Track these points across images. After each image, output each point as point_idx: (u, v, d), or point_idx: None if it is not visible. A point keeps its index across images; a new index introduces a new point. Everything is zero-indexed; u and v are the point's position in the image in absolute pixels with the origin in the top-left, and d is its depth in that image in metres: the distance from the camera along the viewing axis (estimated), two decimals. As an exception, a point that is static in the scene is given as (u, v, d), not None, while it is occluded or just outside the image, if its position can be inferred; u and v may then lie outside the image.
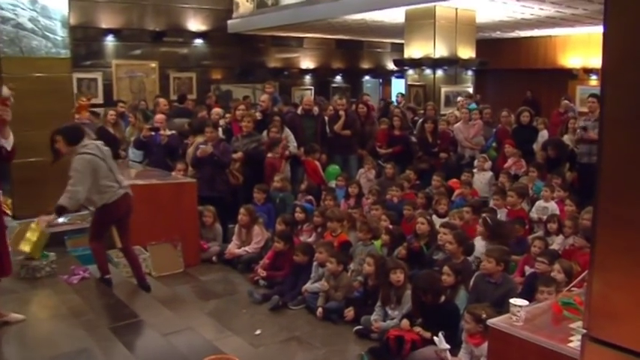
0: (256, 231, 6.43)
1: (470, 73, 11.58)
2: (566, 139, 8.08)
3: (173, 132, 7.77)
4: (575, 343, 2.45)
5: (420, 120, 9.33)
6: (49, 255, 4.97)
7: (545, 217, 6.08)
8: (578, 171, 7.51)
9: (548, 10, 10.40)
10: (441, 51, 10.81)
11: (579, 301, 2.77)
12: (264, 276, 5.77)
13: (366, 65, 16.69)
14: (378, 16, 11.32)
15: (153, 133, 7.58)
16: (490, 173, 7.71)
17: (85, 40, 11.92)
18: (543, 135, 8.21)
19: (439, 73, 11.05)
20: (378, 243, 5.71)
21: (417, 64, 11.06)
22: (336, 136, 8.70)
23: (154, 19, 12.83)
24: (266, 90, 9.48)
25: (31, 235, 4.71)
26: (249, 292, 5.47)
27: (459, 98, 10.42)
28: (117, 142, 7.56)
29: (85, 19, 11.89)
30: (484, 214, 5.76)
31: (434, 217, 6.21)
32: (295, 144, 8.16)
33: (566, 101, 9.80)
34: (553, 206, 6.33)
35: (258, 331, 4.70)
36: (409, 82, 11.44)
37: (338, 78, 16.09)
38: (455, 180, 7.52)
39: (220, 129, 7.99)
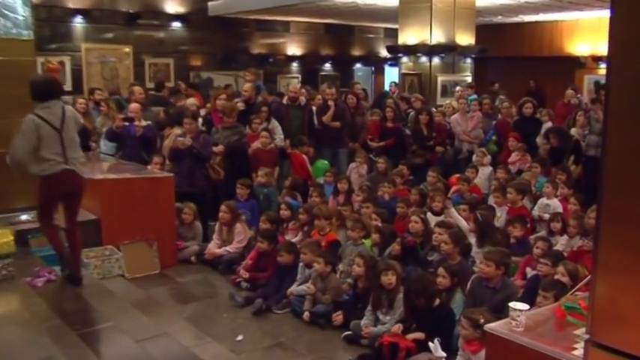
0: (238, 229, 6.43)
1: (469, 61, 11.61)
2: (574, 132, 8.11)
3: (149, 123, 7.72)
4: (579, 350, 2.43)
5: (414, 112, 9.35)
6: (6, 256, 4.87)
7: (547, 216, 6.14)
8: (585, 165, 7.56)
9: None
10: (437, 37, 10.81)
11: (584, 305, 2.77)
12: (246, 277, 5.77)
13: (357, 52, 16.66)
14: (370, -2, 11.33)
15: (127, 124, 7.52)
16: (489, 169, 7.75)
17: (50, 20, 11.70)
18: (547, 127, 8.25)
19: (436, 60, 11.07)
20: (368, 242, 5.72)
21: (412, 51, 11.06)
22: (325, 128, 8.70)
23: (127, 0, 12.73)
24: (247, 78, 9.46)
25: None
26: (231, 295, 5.46)
27: (458, 88, 10.46)
28: (87, 133, 7.49)
29: (50, -4, 11.74)
30: (478, 211, 5.81)
31: (428, 215, 6.24)
32: (282, 136, 8.16)
33: (573, 91, 9.82)
34: (556, 204, 6.38)
35: (239, 337, 4.70)
36: (403, 71, 11.44)
37: (327, 66, 16.05)
38: (457, 176, 7.56)
39: (200, 120, 7.96)
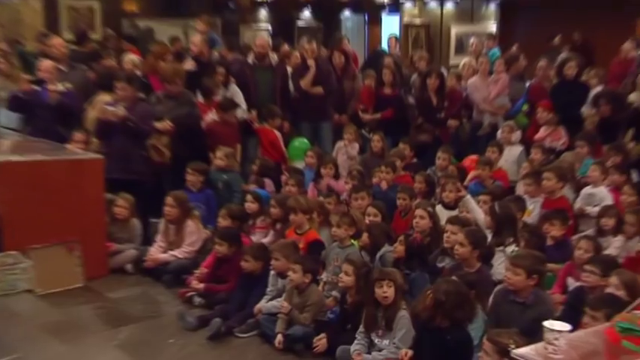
0: (190, 228, 6.42)
1: (492, 7, 11.64)
2: (634, 98, 8.01)
3: (68, 87, 7.64)
4: (639, 385, 2.45)
5: (419, 74, 9.35)
6: None
7: (595, 210, 6.16)
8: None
9: None
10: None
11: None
12: (200, 290, 5.76)
13: (345, -5, 16.66)
14: None
15: (37, 88, 7.44)
16: (519, 148, 7.79)
17: None
18: (597, 92, 8.14)
19: (449, 6, 11.09)
20: (357, 243, 5.73)
21: (418, -8, 11.10)
22: (304, 96, 8.71)
23: None
24: (198, 28, 9.40)
25: None
26: (180, 315, 5.44)
27: (472, 40, 10.44)
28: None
29: None
30: (497, 202, 5.82)
31: (438, 208, 6.24)
32: (245, 106, 8.11)
33: (633, 44, 9.76)
34: (603, 193, 6.39)
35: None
36: (406, 20, 11.45)
37: (306, 14, 16.00)
38: (472, 157, 7.56)
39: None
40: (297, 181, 6.99)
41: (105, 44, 10.37)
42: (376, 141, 8.01)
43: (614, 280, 4.40)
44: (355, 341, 4.66)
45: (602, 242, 5.52)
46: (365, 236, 5.70)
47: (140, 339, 5.18)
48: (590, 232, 6.00)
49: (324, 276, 5.57)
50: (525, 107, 8.66)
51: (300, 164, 7.89)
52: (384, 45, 13.32)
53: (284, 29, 14.95)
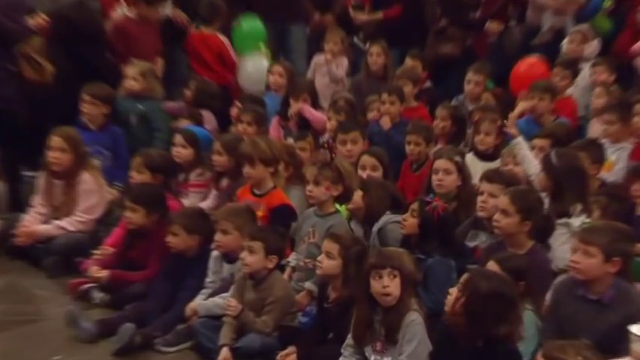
0: (86, 185, 6.43)
1: None
2: None
3: None
4: None
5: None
6: None
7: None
8: None
9: None
10: None
11: None
12: (103, 281, 5.77)
13: None
14: None
15: None
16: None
17: None
18: None
19: None
20: (343, 209, 5.79)
21: None
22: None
23: None
24: None
25: None
26: (71, 317, 5.41)
27: None
28: None
29: None
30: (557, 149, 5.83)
31: (469, 158, 6.32)
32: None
33: None
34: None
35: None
36: None
37: None
38: (521, 77, 7.56)
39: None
40: (254, 116, 7.01)
41: None
42: (375, 55, 8.02)
43: None
44: (341, 358, 4.69)
45: None
46: (357, 198, 5.72)
47: (9, 353, 5.19)
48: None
49: (292, 258, 5.62)
50: (608, 3, 8.62)
51: (251, 63, 7.89)
52: None
53: None
